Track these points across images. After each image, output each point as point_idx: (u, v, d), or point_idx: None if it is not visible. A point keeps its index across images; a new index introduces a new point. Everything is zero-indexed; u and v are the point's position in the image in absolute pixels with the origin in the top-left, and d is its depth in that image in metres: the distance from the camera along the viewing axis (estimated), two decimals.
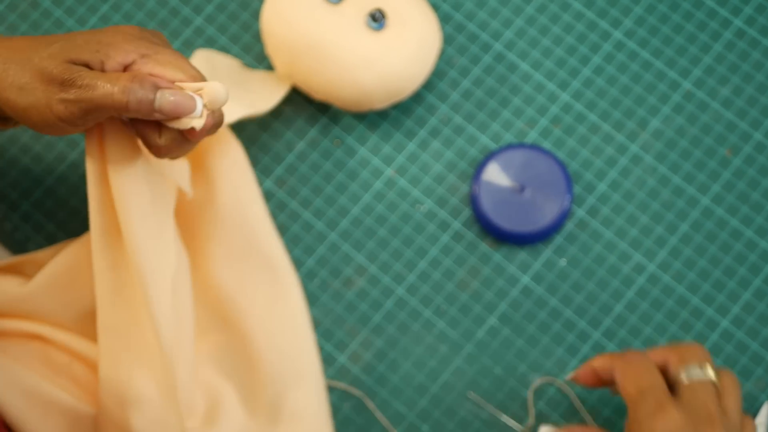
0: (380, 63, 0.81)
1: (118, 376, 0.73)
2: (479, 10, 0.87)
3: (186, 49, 0.88)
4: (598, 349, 0.80)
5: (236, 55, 0.87)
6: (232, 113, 0.79)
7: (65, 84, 0.63)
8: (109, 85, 0.62)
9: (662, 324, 0.81)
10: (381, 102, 0.83)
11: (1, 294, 0.77)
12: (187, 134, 0.65)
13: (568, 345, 0.81)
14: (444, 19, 0.87)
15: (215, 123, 0.65)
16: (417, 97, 0.86)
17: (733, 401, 0.69)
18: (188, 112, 0.63)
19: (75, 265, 0.77)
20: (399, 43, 0.81)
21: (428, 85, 0.86)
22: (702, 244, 0.82)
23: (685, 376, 0.69)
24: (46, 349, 0.77)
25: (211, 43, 0.88)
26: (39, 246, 0.84)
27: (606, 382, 0.74)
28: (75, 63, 0.64)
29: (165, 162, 0.72)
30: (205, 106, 0.63)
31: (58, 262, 0.77)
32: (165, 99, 0.62)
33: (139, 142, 0.68)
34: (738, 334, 0.80)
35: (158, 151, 0.66)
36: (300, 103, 0.86)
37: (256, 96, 0.83)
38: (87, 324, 0.78)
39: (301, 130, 0.86)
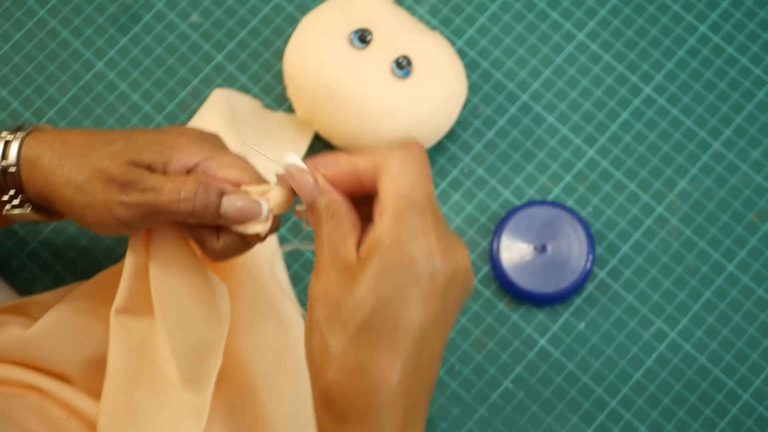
0: (404, 112, 0.81)
1: None
2: (507, 59, 0.87)
3: (204, 87, 0.87)
4: (614, 418, 0.80)
5: (256, 96, 0.87)
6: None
7: (126, 186, 0.63)
8: (174, 189, 0.62)
9: (681, 394, 0.80)
10: None
11: (3, 335, 0.76)
12: (250, 239, 0.65)
13: (583, 412, 0.80)
14: (470, 66, 0.87)
15: (276, 226, 0.65)
16: (439, 147, 0.85)
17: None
18: (254, 217, 0.63)
19: (81, 310, 0.77)
20: (424, 92, 0.81)
21: (451, 135, 0.85)
22: (725, 312, 0.81)
23: None
24: (43, 402, 0.76)
25: (230, 82, 0.87)
26: (45, 286, 0.84)
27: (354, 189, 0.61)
28: (136, 165, 0.63)
29: None
30: (270, 210, 0.63)
31: (64, 306, 0.77)
32: (231, 205, 0.63)
33: (192, 244, 0.68)
34: (759, 409, 0.80)
35: (215, 255, 0.66)
36: (320, 149, 0.86)
37: (278, 144, 0.82)
38: (90, 372, 0.77)
39: None
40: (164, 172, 0.64)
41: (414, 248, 0.55)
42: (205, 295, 0.70)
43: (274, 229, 0.65)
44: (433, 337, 0.56)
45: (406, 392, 0.56)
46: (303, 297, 0.83)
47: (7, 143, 0.66)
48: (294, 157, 0.59)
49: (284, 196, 0.63)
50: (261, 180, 0.65)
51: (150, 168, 0.64)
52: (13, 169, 0.66)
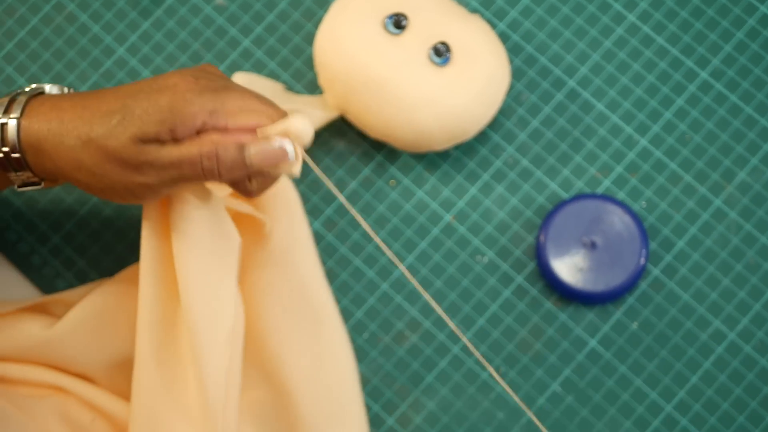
0: (443, 102, 0.79)
1: None
2: (552, 42, 0.85)
3: (231, 74, 0.86)
4: (669, 424, 0.78)
5: (286, 83, 0.86)
6: None
7: (142, 167, 0.63)
8: (193, 160, 0.63)
9: (741, 398, 0.78)
10: (441, 144, 0.81)
11: (26, 336, 0.76)
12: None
13: (637, 418, 0.79)
14: (513, 51, 0.85)
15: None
16: (481, 137, 0.83)
17: None
18: (283, 159, 0.64)
19: (106, 308, 0.77)
20: (464, 80, 0.79)
21: (494, 124, 0.83)
22: None
23: None
24: (66, 404, 0.76)
25: (258, 68, 0.86)
26: (68, 283, 0.83)
27: None
28: (143, 140, 0.63)
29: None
30: (295, 148, 0.64)
31: (88, 303, 0.77)
32: (256, 154, 0.64)
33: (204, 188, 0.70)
34: None
35: (250, 195, 0.68)
36: (354, 139, 0.84)
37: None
38: (115, 374, 0.77)
39: (354, 168, 0.84)
40: (173, 139, 0.63)
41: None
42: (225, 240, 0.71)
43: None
44: None
45: None
46: (338, 294, 0.81)
47: (3, 126, 0.65)
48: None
49: (304, 127, 0.64)
50: (273, 115, 0.65)
51: (158, 139, 0.63)
52: (17, 155, 0.65)
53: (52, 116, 0.65)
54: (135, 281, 0.74)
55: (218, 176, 0.64)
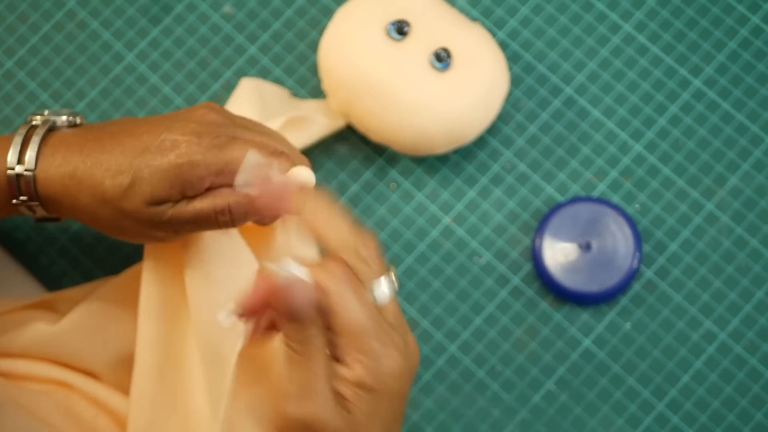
0: (443, 106, 0.81)
1: None
2: (550, 51, 0.87)
3: (237, 80, 0.89)
4: (661, 422, 0.80)
5: (291, 88, 0.88)
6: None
7: (159, 225, 0.67)
8: (208, 215, 0.66)
9: (732, 398, 0.80)
10: (442, 147, 0.83)
11: (32, 332, 0.78)
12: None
13: (629, 416, 0.80)
14: (512, 58, 0.87)
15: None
16: (480, 142, 0.86)
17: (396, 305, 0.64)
18: (286, 196, 0.65)
19: (111, 305, 0.79)
20: (464, 85, 0.82)
21: (492, 129, 0.86)
22: None
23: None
24: (70, 399, 0.77)
25: (264, 74, 0.89)
26: (75, 282, 0.85)
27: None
28: (156, 203, 0.66)
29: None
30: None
31: (93, 300, 0.78)
32: (261, 200, 0.66)
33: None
34: None
35: (265, 224, 0.72)
36: (355, 143, 0.87)
37: (308, 123, 0.83)
38: (119, 370, 0.78)
39: (355, 171, 0.86)
40: (185, 197, 0.67)
41: (390, 381, 0.59)
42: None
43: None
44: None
45: None
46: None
47: (18, 177, 0.68)
48: (295, 266, 0.57)
49: (306, 178, 0.66)
50: (274, 155, 0.67)
51: (170, 200, 0.66)
52: (35, 203, 0.69)
53: (65, 171, 0.67)
54: (139, 279, 0.75)
55: (233, 225, 0.67)
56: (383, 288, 0.60)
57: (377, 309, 0.59)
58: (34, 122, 0.70)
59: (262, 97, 0.86)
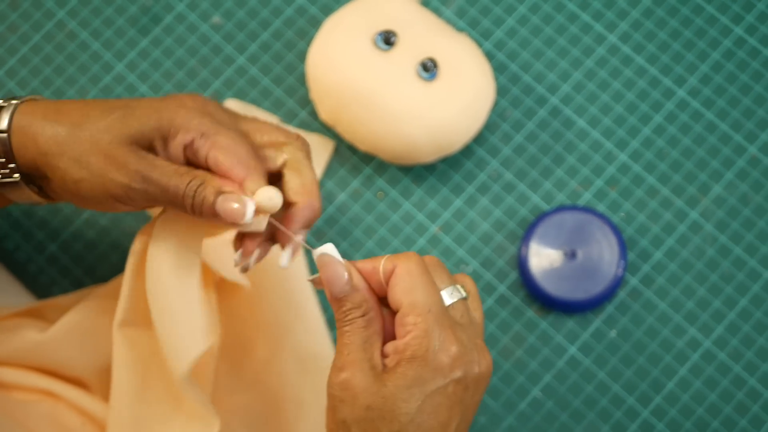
0: (430, 115, 0.83)
1: None
2: (535, 61, 0.89)
3: (226, 89, 0.90)
4: (646, 428, 0.81)
5: (279, 98, 0.89)
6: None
7: (125, 168, 0.64)
8: (177, 186, 0.64)
9: (716, 405, 0.81)
10: (429, 156, 0.84)
11: (20, 339, 0.78)
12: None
13: (615, 422, 0.82)
14: (498, 69, 0.89)
15: (313, 215, 0.69)
16: (466, 151, 0.87)
17: (478, 306, 0.67)
18: (239, 219, 0.65)
19: (99, 313, 0.79)
20: (450, 94, 0.83)
21: (479, 139, 0.87)
22: (762, 320, 0.83)
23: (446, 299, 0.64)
24: (57, 409, 0.78)
25: (252, 84, 0.90)
26: (64, 290, 0.87)
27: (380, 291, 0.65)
28: (135, 141, 0.65)
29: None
30: (257, 210, 0.66)
31: (81, 308, 0.79)
32: (219, 206, 0.65)
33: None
34: None
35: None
36: (343, 153, 0.88)
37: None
38: (107, 378, 0.78)
39: (343, 180, 0.88)
40: (164, 147, 0.66)
41: (443, 359, 0.60)
42: (193, 307, 0.70)
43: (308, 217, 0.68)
44: None
45: None
46: (327, 303, 0.85)
47: None
48: (331, 247, 0.63)
49: (271, 197, 0.66)
50: (251, 167, 0.66)
51: (150, 145, 0.65)
52: (3, 136, 0.66)
53: (50, 107, 0.66)
54: None
55: (190, 209, 0.65)
56: (448, 289, 0.63)
57: (439, 296, 0.62)
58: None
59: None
